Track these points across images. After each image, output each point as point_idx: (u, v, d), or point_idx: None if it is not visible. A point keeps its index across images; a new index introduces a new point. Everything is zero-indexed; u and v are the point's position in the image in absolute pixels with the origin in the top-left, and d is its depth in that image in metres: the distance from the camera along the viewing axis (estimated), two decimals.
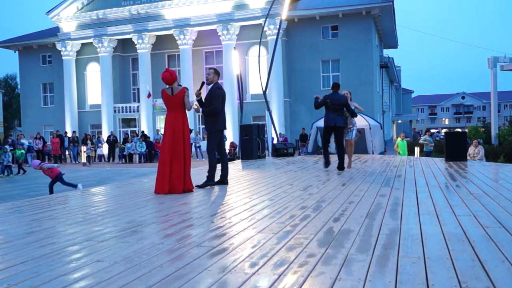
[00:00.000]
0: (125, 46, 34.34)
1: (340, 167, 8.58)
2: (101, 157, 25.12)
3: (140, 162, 23.78)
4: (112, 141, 25.62)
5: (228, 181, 6.83)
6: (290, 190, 5.85)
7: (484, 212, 4.11)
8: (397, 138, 18.63)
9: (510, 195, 5.12)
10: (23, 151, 19.48)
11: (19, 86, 44.69)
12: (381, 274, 2.38)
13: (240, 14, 29.96)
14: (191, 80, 31.08)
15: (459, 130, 51.10)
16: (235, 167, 10.02)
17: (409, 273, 2.40)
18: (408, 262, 2.58)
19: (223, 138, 6.79)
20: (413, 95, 74.80)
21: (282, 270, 2.49)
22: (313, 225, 3.66)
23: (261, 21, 27.86)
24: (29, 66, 36.58)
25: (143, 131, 28.25)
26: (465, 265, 2.53)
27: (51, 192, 10.23)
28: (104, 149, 25.65)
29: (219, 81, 6.75)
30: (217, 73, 6.50)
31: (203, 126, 21.47)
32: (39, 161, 10.90)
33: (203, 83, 6.29)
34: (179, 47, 31.67)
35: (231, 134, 29.59)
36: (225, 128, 6.69)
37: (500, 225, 3.56)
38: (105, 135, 29.30)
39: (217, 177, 6.65)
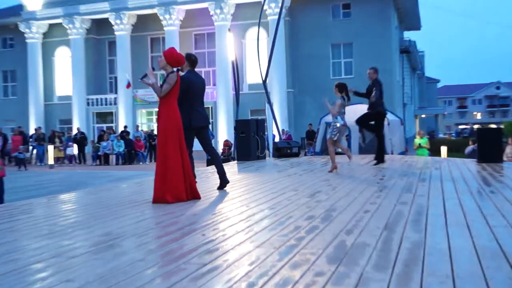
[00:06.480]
0: (100, 27, 34.33)
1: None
2: (71, 158, 25.13)
3: (117, 163, 23.79)
4: (79, 139, 25.48)
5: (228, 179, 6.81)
6: (295, 197, 5.86)
7: None
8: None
9: None
10: None
11: None
12: None
13: None
14: None
15: (494, 126, 51.25)
16: (230, 169, 10.00)
17: None
18: (435, 282, 2.58)
19: (206, 135, 6.74)
20: (439, 85, 74.96)
21: None
22: (322, 238, 3.66)
23: None
24: None
25: (125, 126, 27.88)
26: (502, 285, 2.53)
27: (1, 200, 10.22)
28: (75, 149, 25.64)
29: (196, 69, 6.65)
30: (188, 59, 6.32)
31: None
32: None
33: (153, 69, 6.01)
34: (164, 28, 31.68)
35: (225, 131, 29.62)
36: (193, 127, 6.44)
37: None
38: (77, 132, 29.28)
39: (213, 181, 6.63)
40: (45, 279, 2.81)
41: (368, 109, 9.69)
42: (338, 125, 8.68)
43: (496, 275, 2.69)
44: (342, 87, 8.70)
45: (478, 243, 3.42)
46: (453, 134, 55.67)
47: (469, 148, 18.80)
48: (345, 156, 9.52)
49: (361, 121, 9.86)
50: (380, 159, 9.79)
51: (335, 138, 8.82)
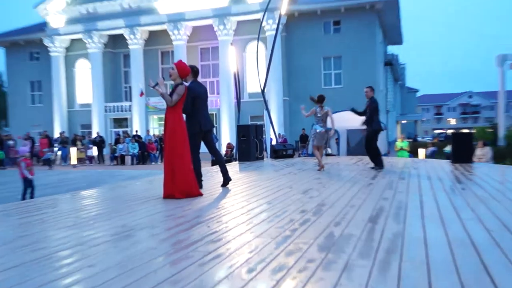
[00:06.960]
0: (116, 42, 34.34)
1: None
2: (91, 158, 25.15)
3: (132, 164, 23.80)
4: (98, 142, 25.60)
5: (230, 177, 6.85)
6: (290, 193, 5.89)
7: (489, 216, 4.16)
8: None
9: None
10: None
11: (5, 84, 44.60)
12: (383, 280, 2.43)
13: (237, 9, 30.03)
14: None
15: (466, 131, 51.20)
16: (232, 169, 10.04)
17: (411, 278, 2.44)
18: (411, 267, 2.63)
19: (211, 138, 6.78)
20: (418, 94, 74.87)
21: (280, 275, 2.53)
22: (313, 229, 3.70)
23: (259, 15, 27.91)
24: (17, 63, 36.57)
25: (136, 131, 28.13)
26: (469, 270, 2.57)
27: (24, 197, 10.20)
28: (94, 151, 25.68)
29: (202, 79, 6.67)
30: (191, 70, 6.29)
31: None
32: (28, 149, 11.03)
33: (163, 79, 6.01)
34: (173, 43, 31.70)
35: (228, 135, 29.63)
36: (202, 130, 6.44)
37: (506, 229, 3.61)
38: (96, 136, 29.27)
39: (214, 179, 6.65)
40: (70, 264, 2.86)
41: (364, 123, 9.38)
42: (316, 131, 9.28)
43: (464, 261, 2.74)
44: (319, 98, 9.27)
45: (450, 234, 3.46)
46: (431, 138, 55.62)
47: (430, 149, 20.28)
48: (335, 157, 9.61)
49: (368, 147, 9.39)
50: (377, 165, 9.22)
51: (314, 143, 9.31)
